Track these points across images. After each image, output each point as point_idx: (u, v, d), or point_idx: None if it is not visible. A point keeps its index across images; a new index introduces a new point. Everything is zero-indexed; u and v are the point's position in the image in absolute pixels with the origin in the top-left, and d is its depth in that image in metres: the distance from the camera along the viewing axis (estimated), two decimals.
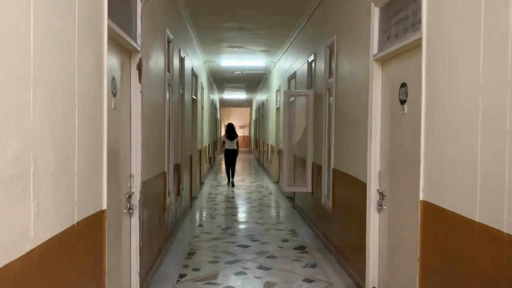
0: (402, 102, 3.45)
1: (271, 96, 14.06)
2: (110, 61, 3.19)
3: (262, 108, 18.58)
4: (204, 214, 8.15)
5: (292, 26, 8.29)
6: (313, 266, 4.99)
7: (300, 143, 7.54)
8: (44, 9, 1.84)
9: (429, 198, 2.80)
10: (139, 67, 3.81)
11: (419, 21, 3.02)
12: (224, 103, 30.01)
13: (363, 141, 4.18)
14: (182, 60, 7.06)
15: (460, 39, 2.43)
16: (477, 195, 2.20)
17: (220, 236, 6.27)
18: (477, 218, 2.20)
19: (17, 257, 1.60)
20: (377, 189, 3.93)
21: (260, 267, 4.90)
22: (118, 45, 3.39)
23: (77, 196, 2.25)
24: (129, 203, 3.69)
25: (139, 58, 3.81)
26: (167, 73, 5.49)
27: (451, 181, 2.51)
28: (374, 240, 3.98)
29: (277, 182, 12.30)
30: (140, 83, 3.81)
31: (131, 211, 3.72)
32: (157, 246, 4.86)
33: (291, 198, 9.09)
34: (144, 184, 3.97)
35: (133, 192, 3.75)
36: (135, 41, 3.77)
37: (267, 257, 5.26)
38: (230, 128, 12.55)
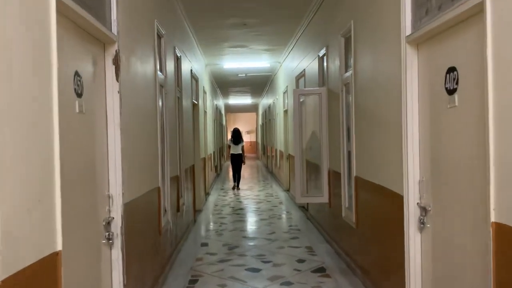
0: (451, 92, 2.68)
1: (277, 99, 13.30)
2: (71, 52, 2.46)
3: (268, 112, 17.84)
4: (209, 229, 7.36)
5: (298, 20, 7.53)
6: None
7: (313, 147, 6.76)
8: None
9: (504, 219, 2.03)
10: (116, 62, 3.07)
11: None
12: (230, 109, 29.32)
13: (395, 144, 3.40)
14: (178, 59, 6.33)
15: None
16: None
17: (227, 258, 5.49)
18: None
19: None
20: (417, 203, 3.15)
21: None
22: (85, 32, 2.65)
23: (12, 238, 1.52)
24: (108, 231, 2.94)
25: (116, 51, 3.06)
26: (159, 73, 4.75)
27: None
28: (415, 264, 3.20)
29: (287, 190, 11.51)
30: (117, 81, 3.07)
31: (110, 241, 2.96)
32: (151, 276, 4.10)
33: (304, 208, 8.30)
34: (127, 206, 3.22)
35: (113, 218, 3.00)
36: (110, 29, 3.04)
37: (282, 284, 4.47)
38: (236, 133, 13.03)
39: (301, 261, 5.29)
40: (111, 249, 3.01)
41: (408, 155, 3.20)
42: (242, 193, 11.92)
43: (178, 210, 5.82)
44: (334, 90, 5.59)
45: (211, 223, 7.90)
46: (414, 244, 3.19)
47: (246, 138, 32.94)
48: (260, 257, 5.48)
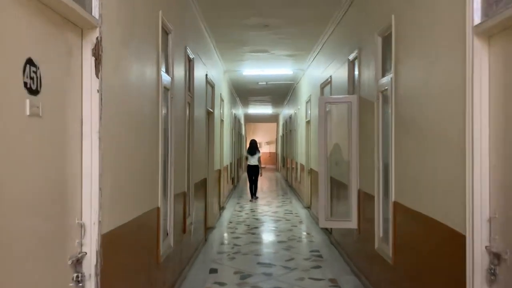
0: None
1: (299, 109, 12.55)
2: (23, 31, 1.79)
3: (289, 123, 17.08)
4: (220, 252, 6.61)
5: (325, 21, 6.81)
6: None
7: (338, 163, 5.98)
8: None
9: None
10: (96, 52, 2.39)
11: None
12: (249, 119, 28.65)
13: (455, 168, 2.63)
14: (190, 61, 5.66)
15: None
16: None
17: None
18: None
19: None
20: (486, 246, 2.37)
21: None
22: (54, 12, 1.99)
23: None
24: (77, 272, 2.25)
25: (97, 38, 2.39)
26: (164, 74, 4.08)
27: None
28: None
29: (308, 207, 10.70)
30: (97, 77, 2.39)
31: (80, 284, 2.26)
32: None
33: (327, 230, 7.49)
34: (107, 236, 2.51)
35: (85, 253, 2.30)
36: (90, 11, 2.37)
37: None
38: (252, 144, 13.39)
39: None
40: None
41: (474, 183, 2.43)
42: (260, 208, 11.15)
43: (184, 231, 5.11)
44: (367, 99, 4.83)
45: (224, 244, 7.15)
46: None
47: (266, 149, 32.21)
48: None
